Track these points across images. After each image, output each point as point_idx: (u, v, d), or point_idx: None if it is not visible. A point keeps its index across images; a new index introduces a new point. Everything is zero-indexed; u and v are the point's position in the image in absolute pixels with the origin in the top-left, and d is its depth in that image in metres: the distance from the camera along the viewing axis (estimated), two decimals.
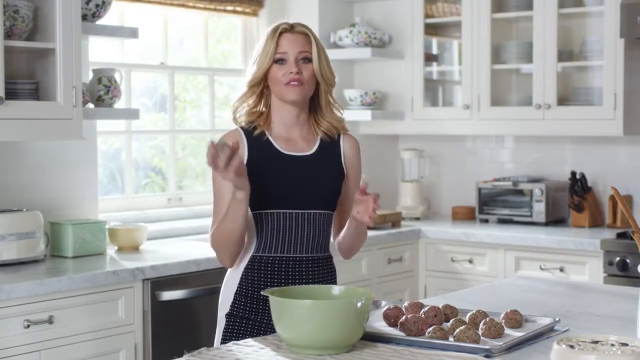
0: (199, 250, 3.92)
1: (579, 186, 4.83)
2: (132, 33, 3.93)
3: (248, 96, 2.66)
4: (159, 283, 3.56)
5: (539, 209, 4.87)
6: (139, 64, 4.61)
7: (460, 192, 5.39)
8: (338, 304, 2.11)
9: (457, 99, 5.29)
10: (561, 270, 4.45)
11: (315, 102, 2.69)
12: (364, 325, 2.15)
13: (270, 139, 2.65)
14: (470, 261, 4.73)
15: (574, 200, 4.83)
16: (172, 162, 4.77)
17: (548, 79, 4.75)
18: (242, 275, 2.62)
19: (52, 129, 3.52)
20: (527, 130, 4.89)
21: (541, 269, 4.50)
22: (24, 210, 3.65)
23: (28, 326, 3.16)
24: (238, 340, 2.40)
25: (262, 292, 2.24)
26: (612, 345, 1.89)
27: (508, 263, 4.60)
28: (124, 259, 3.72)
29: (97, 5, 3.74)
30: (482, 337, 2.20)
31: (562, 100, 4.80)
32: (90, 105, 3.83)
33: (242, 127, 2.66)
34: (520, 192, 4.96)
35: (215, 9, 4.84)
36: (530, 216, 4.90)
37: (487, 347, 2.10)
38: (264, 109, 2.67)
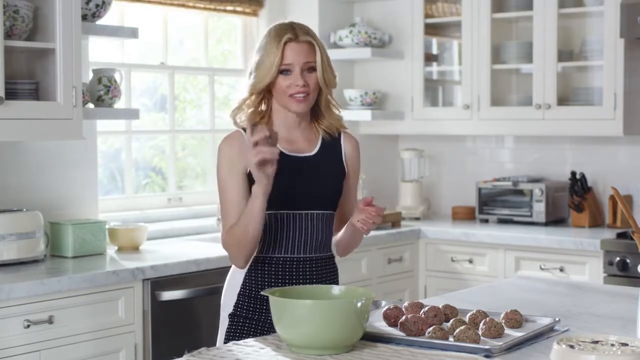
0: (199, 250, 3.92)
1: (579, 186, 4.83)
2: (132, 33, 3.93)
3: (249, 103, 2.64)
4: (159, 283, 3.56)
5: (539, 209, 4.87)
6: (139, 64, 4.61)
7: (460, 192, 5.39)
8: (338, 304, 2.11)
9: (457, 99, 5.29)
10: (561, 270, 4.45)
11: (315, 102, 2.68)
12: (364, 325, 2.14)
13: None
14: (470, 261, 4.72)
15: (574, 200, 4.83)
16: (172, 162, 4.77)
17: (548, 79, 4.75)
18: (246, 275, 2.62)
19: (52, 129, 3.52)
20: (527, 130, 4.88)
21: (541, 269, 4.50)
22: (24, 210, 3.65)
23: (28, 326, 3.16)
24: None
25: (262, 292, 2.24)
26: (612, 345, 1.89)
27: (508, 263, 4.59)
28: (124, 259, 3.71)
29: (97, 5, 3.74)
30: (482, 337, 2.20)
31: (562, 100, 4.80)
32: (90, 105, 3.83)
33: (243, 129, 2.65)
34: (520, 192, 4.95)
35: (215, 9, 4.84)
36: (530, 216, 4.90)
37: (487, 347, 2.10)
38: (264, 108, 2.66)
